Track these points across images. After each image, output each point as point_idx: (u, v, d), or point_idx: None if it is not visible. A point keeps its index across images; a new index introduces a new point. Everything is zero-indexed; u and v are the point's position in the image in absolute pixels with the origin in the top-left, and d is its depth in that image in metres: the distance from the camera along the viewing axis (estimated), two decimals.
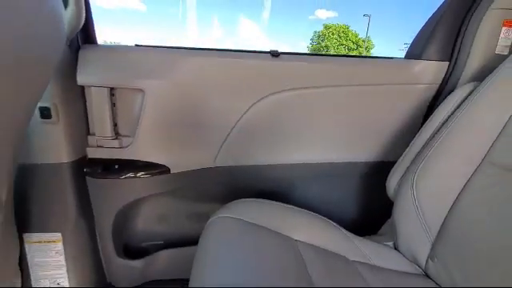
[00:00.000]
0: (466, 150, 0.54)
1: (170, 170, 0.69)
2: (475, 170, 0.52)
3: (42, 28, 0.37)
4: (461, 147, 0.55)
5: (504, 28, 0.63)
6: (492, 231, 0.47)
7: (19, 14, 0.32)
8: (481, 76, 0.61)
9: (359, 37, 34.42)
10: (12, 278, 0.57)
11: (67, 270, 0.69)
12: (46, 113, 0.56)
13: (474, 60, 0.66)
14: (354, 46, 34.81)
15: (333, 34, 37.44)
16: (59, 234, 0.66)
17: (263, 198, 0.65)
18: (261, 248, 0.48)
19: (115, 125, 0.65)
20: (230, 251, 0.47)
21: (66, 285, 0.71)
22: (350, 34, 35.22)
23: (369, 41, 31.90)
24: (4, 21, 0.28)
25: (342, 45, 34.82)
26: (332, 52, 36.04)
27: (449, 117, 0.59)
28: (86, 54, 0.59)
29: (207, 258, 0.46)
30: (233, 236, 0.50)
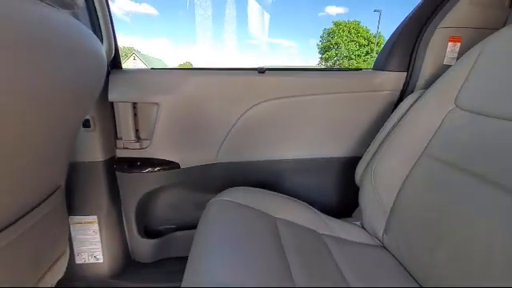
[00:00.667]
0: (410, 146, 0.68)
1: (179, 165, 0.86)
2: (416, 162, 0.66)
3: (92, 64, 0.55)
4: (406, 144, 0.69)
5: (450, 43, 0.76)
6: (428, 209, 0.61)
7: (77, 57, 0.49)
8: (431, 83, 0.75)
9: (370, 32, 33.75)
10: (65, 249, 0.76)
11: (101, 246, 0.88)
12: (86, 123, 0.74)
13: (426, 70, 0.79)
14: (365, 42, 34.14)
15: (343, 30, 36.90)
16: (95, 217, 0.85)
17: (255, 187, 0.81)
18: (246, 223, 0.64)
19: (137, 131, 0.83)
20: (223, 225, 0.63)
21: (100, 258, 0.89)
22: (360, 29, 34.60)
23: (380, 36, 31.25)
24: (68, 63, 0.46)
25: (353, 41, 34.25)
26: (343, 49, 35.51)
27: (400, 119, 0.73)
28: (114, 78, 0.77)
29: (206, 229, 0.63)
30: (226, 214, 0.67)
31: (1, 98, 0.34)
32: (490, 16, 0.74)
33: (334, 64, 35.84)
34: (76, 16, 0.66)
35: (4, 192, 0.46)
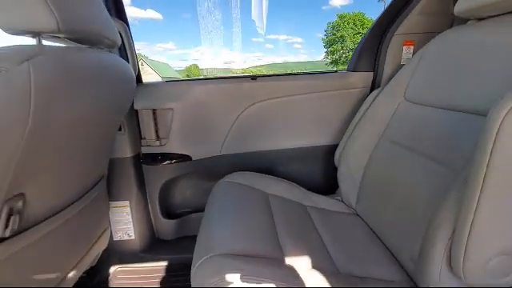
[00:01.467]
0: (372, 133, 0.85)
1: (191, 158, 1.07)
2: (376, 144, 0.84)
3: (127, 85, 0.76)
4: (369, 131, 0.86)
5: (405, 46, 0.93)
6: (384, 179, 0.79)
7: (119, 83, 0.70)
8: None
9: None
10: (107, 226, 0.98)
11: (133, 226, 1.10)
12: (119, 128, 0.96)
13: (387, 69, 0.96)
14: None
15: (348, 23, 36.37)
16: (127, 202, 1.06)
17: (257, 172, 1.00)
18: (244, 198, 0.84)
19: (157, 131, 1.04)
20: (226, 200, 0.83)
21: (132, 235, 1.11)
22: (365, 21, 34.03)
23: None
24: (114, 88, 0.66)
25: (359, 33, 33.72)
26: (349, 42, 35.03)
27: (365, 111, 0.91)
28: (138, 91, 0.98)
29: (212, 204, 0.83)
30: (229, 191, 0.86)
31: (78, 115, 0.54)
32: (437, 22, 0.90)
33: (341, 57, 35.37)
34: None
35: (75, 178, 0.67)
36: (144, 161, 1.06)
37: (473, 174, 0.40)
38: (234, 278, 0.51)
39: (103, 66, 0.60)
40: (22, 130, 0.42)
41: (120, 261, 1.08)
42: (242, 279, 0.50)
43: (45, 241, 0.60)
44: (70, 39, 0.56)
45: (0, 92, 0.38)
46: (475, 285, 0.44)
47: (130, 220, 1.09)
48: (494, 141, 0.37)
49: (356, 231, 0.80)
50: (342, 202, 0.96)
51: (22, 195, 0.50)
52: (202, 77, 1.19)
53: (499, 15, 0.61)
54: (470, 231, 0.41)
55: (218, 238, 0.64)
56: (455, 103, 0.61)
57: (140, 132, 1.04)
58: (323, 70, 1.13)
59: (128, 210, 1.07)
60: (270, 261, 0.58)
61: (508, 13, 0.59)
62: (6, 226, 0.49)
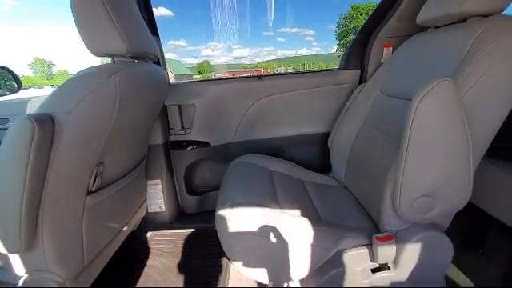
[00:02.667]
0: (356, 120, 1.05)
1: (210, 144, 1.30)
2: (359, 129, 1.04)
3: (164, 88, 0.99)
4: (354, 118, 1.06)
5: (385, 48, 1.11)
6: (362, 157, 0.99)
7: (160, 87, 0.93)
8: None
9: None
10: (145, 197, 1.23)
11: (163, 200, 1.35)
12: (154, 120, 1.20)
13: (371, 67, 1.15)
14: None
15: (361, 14, 35.45)
16: (159, 180, 1.31)
17: (264, 154, 1.22)
18: (252, 173, 1.06)
19: (182, 123, 1.27)
20: (238, 175, 1.05)
21: (163, 208, 1.36)
22: None
23: None
24: (159, 92, 0.90)
25: None
26: None
27: (351, 103, 1.10)
28: (167, 90, 1.21)
29: (227, 177, 1.05)
30: (240, 169, 1.09)
31: (137, 111, 0.78)
32: (412, 27, 1.07)
33: None
34: None
35: (130, 156, 0.92)
36: (172, 147, 1.30)
37: (402, 141, 0.60)
38: (242, 212, 0.74)
39: (152, 74, 0.83)
40: (109, 122, 0.66)
41: (154, 228, 1.34)
42: (247, 211, 0.73)
43: (112, 198, 0.85)
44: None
45: (99, 96, 0.62)
46: (408, 219, 0.65)
47: (161, 196, 1.34)
48: (413, 118, 0.57)
49: (341, 198, 1.01)
50: (334, 178, 1.17)
51: (102, 163, 0.75)
52: (217, 78, 1.41)
53: (447, 25, 0.79)
54: (401, 181, 0.61)
55: (231, 195, 0.86)
56: (411, 94, 0.80)
57: (168, 123, 1.28)
58: (319, 69, 1.32)
59: (160, 187, 1.32)
60: (270, 208, 0.80)
61: (454, 23, 0.77)
62: (94, 183, 0.74)
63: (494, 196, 0.92)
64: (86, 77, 0.63)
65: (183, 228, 1.34)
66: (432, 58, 0.78)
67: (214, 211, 1.33)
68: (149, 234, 1.32)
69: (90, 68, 0.68)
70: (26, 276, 0.66)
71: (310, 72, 1.29)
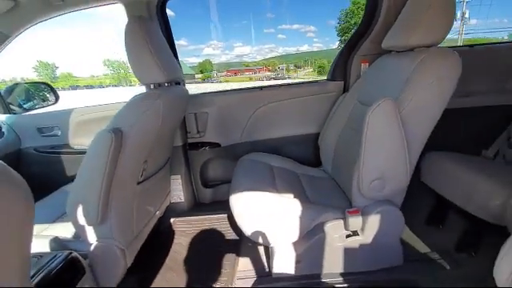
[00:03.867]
0: (339, 123, 1.30)
1: (220, 144, 1.57)
2: (341, 130, 1.29)
3: (186, 101, 1.26)
4: (338, 121, 1.32)
5: (362, 64, 1.36)
6: (345, 154, 1.24)
7: (184, 101, 1.20)
8: None
9: None
10: (170, 190, 1.50)
11: (183, 192, 1.62)
12: None
13: (352, 79, 1.40)
14: None
15: (362, 9, 35.22)
16: (179, 176, 1.58)
17: (266, 152, 1.49)
18: (256, 168, 1.32)
19: (197, 127, 1.54)
20: (245, 169, 1.32)
21: (183, 199, 1.63)
22: None
23: None
24: (182, 104, 1.17)
25: None
26: None
27: (336, 109, 1.36)
28: None
29: (237, 172, 1.32)
30: (247, 164, 1.35)
31: (171, 123, 1.05)
32: (382, 48, 1.32)
33: None
34: None
35: (162, 156, 1.19)
36: (189, 147, 1.57)
37: (360, 142, 0.86)
38: (249, 195, 1.01)
39: (179, 94, 1.10)
40: (155, 133, 0.93)
41: (175, 215, 1.61)
42: (253, 194, 1.00)
43: (149, 188, 1.12)
44: None
45: (149, 115, 0.89)
46: (368, 196, 0.91)
47: (181, 188, 1.61)
48: (367, 126, 0.83)
49: (327, 186, 1.27)
50: (323, 171, 1.43)
51: (146, 161, 1.02)
52: (226, 90, 1.61)
53: (403, 51, 1.04)
54: (361, 170, 0.87)
55: (241, 185, 1.13)
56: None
57: (186, 128, 1.55)
58: (310, 81, 1.58)
59: (179, 181, 1.59)
60: (270, 192, 1.06)
61: (407, 51, 1.02)
62: (141, 176, 1.01)
63: (446, 182, 1.18)
64: (140, 100, 0.90)
65: (199, 215, 1.61)
66: (389, 77, 1.03)
67: (224, 201, 1.61)
68: (172, 219, 1.59)
69: (141, 94, 0.95)
70: (96, 243, 0.94)
71: (302, 83, 1.54)
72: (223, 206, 1.57)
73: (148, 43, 0.93)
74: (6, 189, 0.34)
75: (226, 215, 1.55)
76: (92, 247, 0.93)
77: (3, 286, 0.40)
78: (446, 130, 1.01)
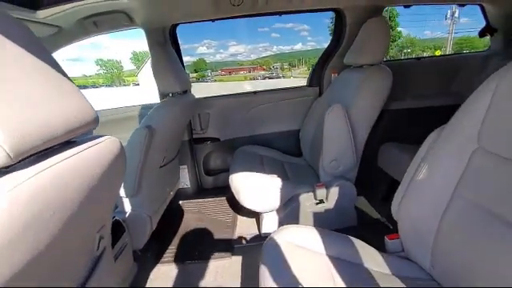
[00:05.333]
0: (314, 121, 1.66)
1: (220, 139, 1.91)
2: (316, 126, 1.64)
3: (193, 105, 1.59)
4: (313, 120, 1.67)
5: (333, 74, 1.72)
6: (317, 142, 1.59)
7: (193, 106, 1.53)
8: (324, 92, 1.71)
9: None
10: (179, 177, 1.83)
11: (188, 179, 1.95)
12: None
13: (325, 86, 1.76)
14: None
15: None
16: (186, 166, 1.92)
17: (258, 145, 1.83)
18: (249, 157, 1.66)
19: (201, 125, 1.88)
20: (239, 158, 1.66)
21: (189, 185, 1.96)
22: None
23: (392, 9, 30.05)
24: (192, 108, 1.51)
25: None
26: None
27: (312, 110, 1.71)
28: None
29: (233, 162, 1.66)
30: (240, 155, 1.70)
31: (183, 124, 1.39)
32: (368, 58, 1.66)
33: None
34: None
35: (175, 149, 1.53)
36: (194, 142, 1.91)
37: (322, 135, 1.21)
38: (243, 176, 1.35)
39: (188, 100, 1.44)
40: (173, 130, 1.27)
41: (183, 198, 1.95)
42: (247, 175, 1.34)
43: (167, 172, 1.46)
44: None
45: (171, 117, 1.23)
46: (329, 173, 1.26)
47: (187, 176, 1.95)
48: (324, 124, 1.18)
49: (305, 170, 1.62)
50: (304, 159, 1.78)
51: (166, 151, 1.35)
52: (225, 94, 1.93)
53: (356, 67, 1.39)
54: (323, 154, 1.23)
55: (237, 171, 1.47)
56: None
57: (191, 125, 1.88)
58: (293, 87, 1.93)
59: (186, 170, 1.93)
60: (260, 174, 1.40)
61: (358, 67, 1.37)
62: (163, 161, 1.34)
63: (395, 166, 1.54)
64: (164, 105, 1.24)
65: (203, 198, 1.95)
66: (347, 86, 1.39)
67: (224, 187, 1.95)
68: (180, 202, 1.92)
69: (165, 100, 1.29)
70: (131, 211, 1.27)
71: (287, 88, 1.90)
72: (223, 191, 1.93)
73: (168, 63, 1.27)
74: (120, 153, 0.67)
75: (225, 198, 1.89)
76: (127, 214, 1.27)
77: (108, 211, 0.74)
78: (404, 125, 1.38)
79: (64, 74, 0.54)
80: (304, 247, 0.80)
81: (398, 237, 0.87)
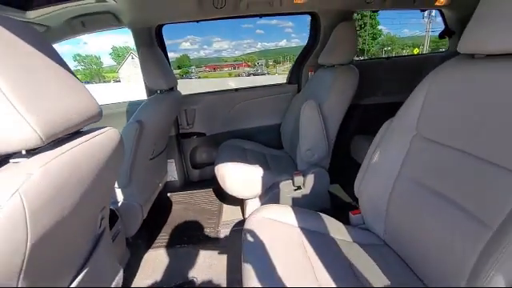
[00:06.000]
0: (292, 115, 1.80)
1: (206, 134, 2.01)
2: (295, 120, 1.79)
3: (180, 101, 1.69)
4: (292, 114, 1.81)
5: (310, 72, 1.87)
6: (296, 135, 1.74)
7: (179, 102, 1.63)
8: (303, 88, 1.86)
9: None
10: (167, 170, 1.93)
11: (176, 172, 2.05)
12: None
13: (303, 83, 1.90)
14: (359, 16, 33.85)
15: None
16: (173, 160, 2.01)
17: (241, 139, 1.96)
18: (232, 151, 1.78)
19: (187, 121, 1.97)
20: (224, 152, 1.78)
21: (176, 178, 2.06)
22: None
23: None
24: (178, 104, 1.60)
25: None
26: None
27: (291, 105, 1.85)
28: None
29: (218, 155, 1.77)
30: (225, 149, 1.81)
31: (171, 120, 1.49)
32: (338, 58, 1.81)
33: None
34: None
35: (164, 143, 1.62)
36: (181, 137, 2.00)
37: (299, 128, 1.35)
38: (228, 166, 1.48)
39: (176, 97, 1.53)
40: (162, 124, 1.36)
41: (171, 190, 2.04)
42: (230, 165, 1.47)
43: (156, 165, 1.56)
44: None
45: (159, 111, 1.32)
46: (305, 161, 1.41)
47: (175, 169, 2.04)
48: (301, 115, 1.32)
49: (285, 160, 1.76)
50: (285, 152, 1.92)
51: (156, 144, 1.45)
52: (210, 91, 2.04)
53: (329, 66, 1.54)
54: (300, 144, 1.37)
55: (223, 161, 1.58)
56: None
57: (178, 121, 1.97)
58: (273, 84, 2.07)
59: (173, 164, 2.02)
60: (243, 164, 1.53)
61: (331, 66, 1.52)
62: (152, 154, 1.44)
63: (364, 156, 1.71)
64: (153, 101, 1.33)
65: (189, 190, 2.05)
66: (321, 83, 1.53)
67: (209, 179, 2.06)
68: (168, 194, 2.02)
69: (153, 97, 1.38)
70: (123, 201, 1.36)
71: (268, 85, 2.03)
72: (209, 183, 2.04)
73: (155, 61, 1.36)
74: (120, 143, 0.77)
75: (211, 189, 2.01)
76: (120, 204, 1.35)
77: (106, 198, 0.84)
78: (374, 119, 1.54)
79: (71, 72, 0.63)
80: (280, 221, 0.93)
81: (359, 212, 1.02)
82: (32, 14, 1.29)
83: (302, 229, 0.92)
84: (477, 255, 0.57)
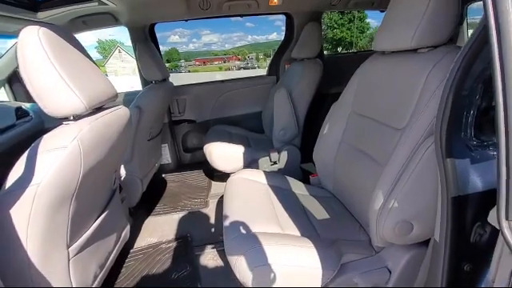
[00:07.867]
0: (271, 102, 2.07)
1: (196, 121, 2.27)
2: (272, 108, 2.06)
3: (172, 91, 1.93)
4: (270, 102, 2.08)
5: (286, 65, 2.14)
6: (273, 124, 2.01)
7: (171, 92, 1.87)
8: (282, 80, 2.12)
9: None
10: (161, 154, 2.17)
11: (169, 156, 2.30)
12: None
13: (280, 75, 2.17)
14: (348, 10, 33.96)
15: None
16: (166, 144, 2.25)
17: (227, 125, 2.22)
18: (220, 135, 2.04)
19: (178, 109, 2.21)
20: (212, 136, 2.03)
21: (170, 160, 2.31)
22: None
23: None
24: (171, 93, 1.85)
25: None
26: (326, 20, 35.23)
27: (270, 96, 2.12)
28: None
29: (206, 140, 2.03)
30: (213, 133, 2.07)
31: (164, 108, 1.73)
32: (307, 53, 2.07)
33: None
34: None
35: (158, 129, 1.87)
36: (173, 124, 2.24)
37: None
38: (216, 147, 1.74)
39: (169, 87, 1.77)
40: (158, 110, 1.61)
41: (165, 172, 2.29)
42: (219, 146, 1.74)
43: (153, 146, 1.80)
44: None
45: (155, 98, 1.57)
46: (279, 140, 1.69)
47: (168, 153, 2.29)
48: (274, 100, 1.60)
49: (265, 142, 2.02)
50: (266, 136, 2.20)
51: (152, 127, 1.69)
52: (198, 82, 2.29)
53: (299, 60, 1.81)
54: (274, 125, 1.64)
55: (210, 142, 1.84)
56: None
57: (170, 109, 2.21)
58: (255, 76, 2.33)
59: (167, 148, 2.27)
60: (229, 145, 1.79)
61: (300, 60, 1.79)
62: (149, 135, 1.69)
63: None
64: (149, 90, 1.57)
65: (182, 171, 2.31)
66: (293, 75, 1.81)
67: (200, 162, 2.32)
68: (163, 175, 2.27)
69: (149, 85, 1.62)
70: (126, 175, 1.60)
71: (250, 77, 2.29)
72: (199, 165, 2.30)
73: (151, 56, 1.60)
74: (128, 120, 1.02)
75: (201, 170, 2.27)
76: (123, 177, 1.60)
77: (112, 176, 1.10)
78: None
79: (94, 62, 0.88)
80: (253, 180, 1.21)
81: (317, 175, 1.31)
82: (42, 15, 1.50)
83: (270, 186, 1.21)
84: (379, 189, 0.82)
